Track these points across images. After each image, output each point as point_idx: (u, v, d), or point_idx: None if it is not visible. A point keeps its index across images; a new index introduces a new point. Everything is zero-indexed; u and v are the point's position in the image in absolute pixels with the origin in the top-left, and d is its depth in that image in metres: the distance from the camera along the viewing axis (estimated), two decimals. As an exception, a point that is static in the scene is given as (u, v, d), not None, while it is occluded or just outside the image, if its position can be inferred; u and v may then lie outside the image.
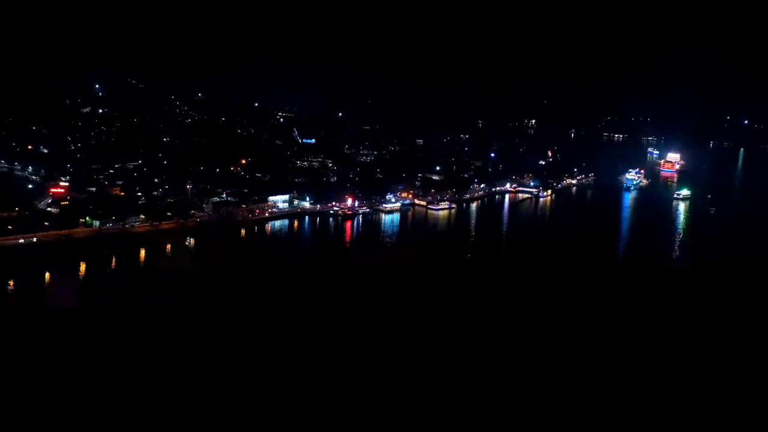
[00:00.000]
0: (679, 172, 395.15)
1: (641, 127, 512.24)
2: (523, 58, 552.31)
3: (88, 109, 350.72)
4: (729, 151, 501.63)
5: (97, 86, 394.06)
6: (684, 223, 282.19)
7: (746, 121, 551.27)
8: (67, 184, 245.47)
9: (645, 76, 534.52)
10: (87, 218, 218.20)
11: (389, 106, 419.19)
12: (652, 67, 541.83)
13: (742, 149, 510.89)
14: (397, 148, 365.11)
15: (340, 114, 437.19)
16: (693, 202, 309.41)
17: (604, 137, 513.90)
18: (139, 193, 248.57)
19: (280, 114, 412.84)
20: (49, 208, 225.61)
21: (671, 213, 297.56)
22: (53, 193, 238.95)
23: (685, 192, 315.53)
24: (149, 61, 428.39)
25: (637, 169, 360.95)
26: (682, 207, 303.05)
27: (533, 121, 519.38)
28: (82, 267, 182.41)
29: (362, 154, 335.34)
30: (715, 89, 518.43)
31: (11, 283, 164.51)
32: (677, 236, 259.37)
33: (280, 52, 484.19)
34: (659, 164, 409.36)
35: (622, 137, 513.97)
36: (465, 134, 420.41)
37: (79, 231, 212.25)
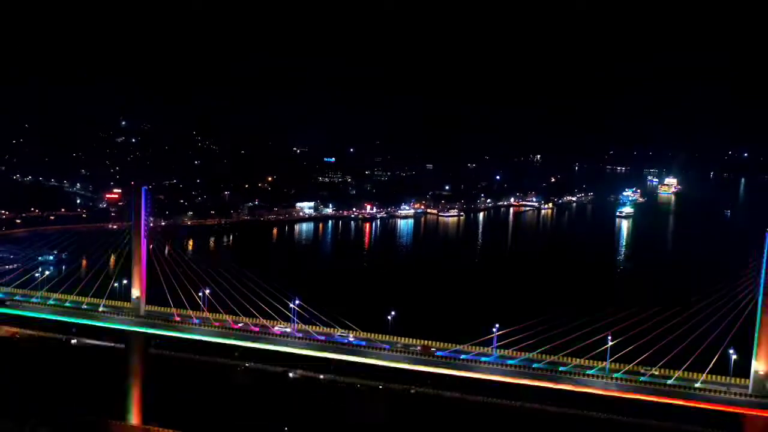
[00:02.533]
0: (675, 194, 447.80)
1: (643, 160, 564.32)
2: (525, 85, 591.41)
3: (122, 139, 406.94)
4: (729, 181, 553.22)
5: (124, 122, 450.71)
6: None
7: (746, 154, 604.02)
8: (119, 191, 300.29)
9: (647, 107, 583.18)
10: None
11: (394, 130, 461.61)
12: (653, 99, 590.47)
13: (743, 179, 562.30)
14: (412, 173, 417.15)
15: (351, 150, 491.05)
16: (635, 219, 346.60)
17: (607, 169, 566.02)
18: (181, 200, 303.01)
19: (295, 148, 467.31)
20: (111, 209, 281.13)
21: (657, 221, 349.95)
22: (108, 198, 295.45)
23: (627, 210, 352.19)
24: (152, 67, 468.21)
25: (634, 189, 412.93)
26: (625, 224, 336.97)
27: (538, 156, 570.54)
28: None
29: (377, 175, 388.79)
30: (716, 123, 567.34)
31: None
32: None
33: (280, 52, 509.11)
34: (658, 188, 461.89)
35: (624, 169, 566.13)
36: (472, 163, 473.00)
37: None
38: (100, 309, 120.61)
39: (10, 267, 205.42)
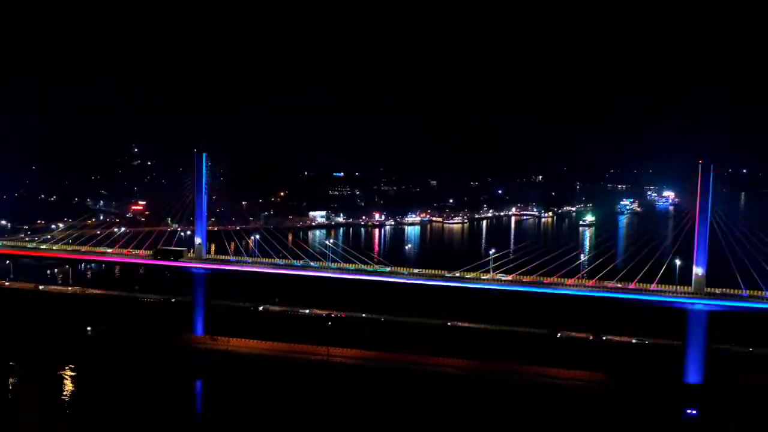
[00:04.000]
0: (673, 205, 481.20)
1: (643, 178, 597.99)
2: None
3: (138, 162, 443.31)
4: (729, 195, 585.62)
5: (136, 150, 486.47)
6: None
7: (744, 170, 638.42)
8: (144, 203, 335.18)
9: (647, 107, 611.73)
10: (169, 220, 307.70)
11: (395, 131, 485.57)
12: (653, 99, 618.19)
13: (743, 193, 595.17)
14: (417, 189, 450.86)
15: (357, 173, 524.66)
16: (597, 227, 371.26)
17: (608, 187, 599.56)
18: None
19: (305, 173, 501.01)
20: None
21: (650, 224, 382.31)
22: (134, 210, 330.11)
23: (590, 218, 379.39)
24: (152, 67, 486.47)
25: (632, 200, 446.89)
26: (588, 232, 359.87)
27: (540, 177, 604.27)
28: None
29: (383, 190, 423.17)
30: (715, 141, 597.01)
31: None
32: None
33: (280, 52, 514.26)
34: (656, 200, 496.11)
35: (625, 187, 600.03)
36: (475, 182, 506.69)
37: (164, 228, 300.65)
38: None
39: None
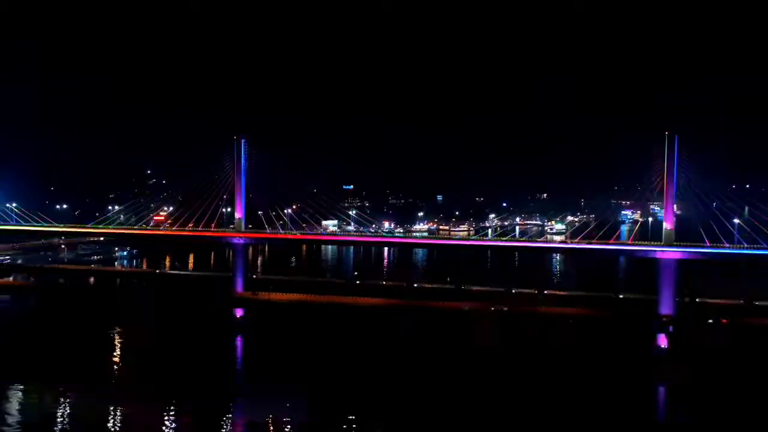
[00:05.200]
0: (675, 215, 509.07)
1: (647, 195, 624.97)
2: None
3: (153, 181, 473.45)
4: (731, 209, 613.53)
5: (149, 171, 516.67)
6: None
7: (747, 185, 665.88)
8: (165, 212, 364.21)
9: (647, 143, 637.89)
10: (191, 226, 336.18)
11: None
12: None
13: (746, 207, 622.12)
14: (423, 204, 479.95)
15: (364, 193, 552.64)
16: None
17: (612, 203, 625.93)
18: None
19: (315, 190, 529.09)
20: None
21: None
22: (156, 220, 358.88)
23: (558, 227, 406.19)
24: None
25: (632, 210, 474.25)
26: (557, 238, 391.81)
27: (545, 195, 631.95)
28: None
29: (392, 203, 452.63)
30: (717, 159, 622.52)
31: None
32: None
33: (279, 55, 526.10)
34: (659, 212, 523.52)
35: (629, 203, 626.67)
36: (480, 197, 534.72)
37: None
38: (211, 230, 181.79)
39: (97, 258, 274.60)
